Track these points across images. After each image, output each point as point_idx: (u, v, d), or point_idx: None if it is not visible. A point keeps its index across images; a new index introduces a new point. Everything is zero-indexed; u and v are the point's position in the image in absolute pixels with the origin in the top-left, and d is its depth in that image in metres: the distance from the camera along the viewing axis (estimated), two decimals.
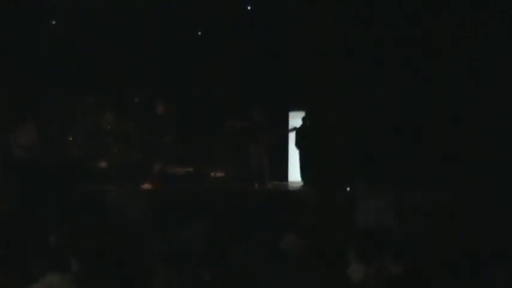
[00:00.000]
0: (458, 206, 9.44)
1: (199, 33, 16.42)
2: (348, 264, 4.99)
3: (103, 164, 14.14)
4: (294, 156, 15.24)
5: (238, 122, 14.73)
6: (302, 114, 15.21)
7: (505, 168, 12.58)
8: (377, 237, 5.99)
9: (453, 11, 13.25)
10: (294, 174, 15.28)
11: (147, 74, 15.82)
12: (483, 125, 13.20)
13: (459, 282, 5.04)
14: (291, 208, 8.36)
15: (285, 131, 15.13)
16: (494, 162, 12.86)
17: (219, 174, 15.12)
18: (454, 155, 13.32)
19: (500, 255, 5.42)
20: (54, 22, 15.93)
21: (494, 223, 7.11)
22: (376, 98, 14.00)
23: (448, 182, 12.55)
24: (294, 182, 15.05)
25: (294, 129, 14.70)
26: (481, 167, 12.85)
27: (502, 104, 13.06)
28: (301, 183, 14.68)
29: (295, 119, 15.31)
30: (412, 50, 13.56)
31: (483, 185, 12.14)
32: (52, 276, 4.53)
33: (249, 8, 15.79)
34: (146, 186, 13.08)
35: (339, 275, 4.89)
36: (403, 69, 13.74)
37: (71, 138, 14.83)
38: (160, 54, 15.85)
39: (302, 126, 14.55)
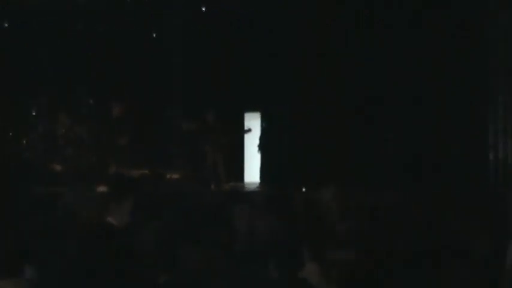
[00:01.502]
0: (407, 204, 9.52)
1: (155, 34, 16.36)
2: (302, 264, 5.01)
3: (57, 167, 14.01)
4: (249, 157, 15.29)
5: (194, 123, 14.71)
6: (258, 115, 15.30)
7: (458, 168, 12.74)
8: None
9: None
10: (250, 175, 15.34)
11: (101, 74, 15.72)
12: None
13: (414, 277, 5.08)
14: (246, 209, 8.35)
15: (241, 132, 15.15)
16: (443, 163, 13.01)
17: (175, 176, 15.07)
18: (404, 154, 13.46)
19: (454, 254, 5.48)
20: (6, 24, 15.77)
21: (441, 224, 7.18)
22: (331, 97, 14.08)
23: (397, 181, 12.66)
24: (250, 183, 15.08)
25: (250, 130, 14.73)
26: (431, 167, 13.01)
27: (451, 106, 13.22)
28: (258, 184, 14.76)
29: (251, 120, 15.37)
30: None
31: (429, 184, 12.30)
32: (4, 282, 4.48)
33: (203, 9, 15.77)
34: (101, 188, 12.97)
35: (293, 275, 4.91)
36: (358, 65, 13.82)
37: (24, 141, 14.67)
38: (115, 54, 15.77)
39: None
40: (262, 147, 15.21)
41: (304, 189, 13.39)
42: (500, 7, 12.31)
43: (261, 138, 14.99)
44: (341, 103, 13.91)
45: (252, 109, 15.49)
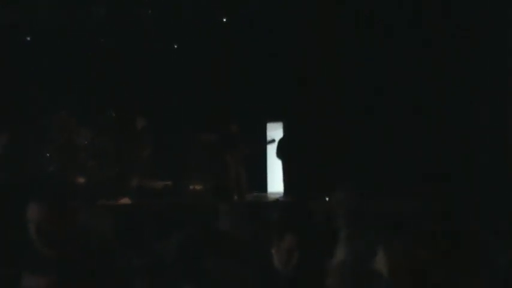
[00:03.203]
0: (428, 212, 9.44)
1: (175, 46, 16.38)
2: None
3: (79, 180, 14.00)
4: (272, 166, 15.22)
5: (216, 134, 14.68)
6: (280, 125, 15.26)
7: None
8: None
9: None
10: (273, 185, 15.27)
11: (122, 87, 15.76)
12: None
13: None
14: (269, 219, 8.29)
15: (264, 141, 15.09)
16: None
17: (198, 187, 15.05)
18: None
19: None
20: (28, 38, 15.86)
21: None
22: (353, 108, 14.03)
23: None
24: (273, 193, 15.00)
25: (273, 141, 14.67)
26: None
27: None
28: (281, 194, 14.68)
29: (274, 130, 15.33)
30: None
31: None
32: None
33: (224, 20, 15.77)
34: (124, 201, 12.97)
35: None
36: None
37: (48, 155, 14.67)
38: (135, 67, 15.80)
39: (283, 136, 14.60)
40: (284, 156, 15.14)
41: (327, 199, 13.30)
42: None
43: (283, 148, 14.93)
44: (364, 112, 13.83)
45: (274, 119, 15.44)
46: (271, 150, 15.09)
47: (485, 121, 12.83)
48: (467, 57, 12.79)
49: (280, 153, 14.52)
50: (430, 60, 13.19)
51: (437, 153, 13.05)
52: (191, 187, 14.96)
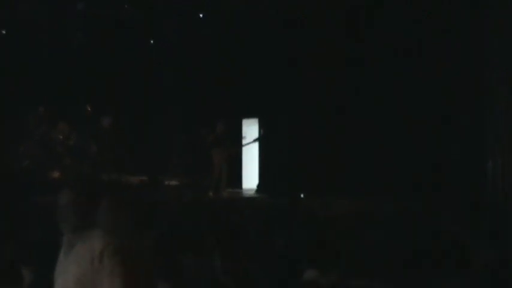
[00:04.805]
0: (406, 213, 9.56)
1: (151, 41, 16.42)
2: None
3: (55, 175, 14.02)
4: (247, 163, 15.31)
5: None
6: (255, 121, 15.33)
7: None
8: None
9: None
10: (248, 182, 15.36)
11: (100, 84, 15.75)
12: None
13: None
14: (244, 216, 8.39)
15: (239, 138, 15.17)
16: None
17: (174, 183, 15.12)
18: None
19: None
20: (4, 32, 15.81)
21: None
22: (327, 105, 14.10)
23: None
24: (248, 189, 15.10)
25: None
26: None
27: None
28: (255, 190, 14.80)
29: (249, 126, 15.40)
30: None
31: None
32: None
33: (201, 17, 15.83)
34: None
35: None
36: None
37: (22, 149, 14.67)
38: (112, 64, 15.82)
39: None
40: (260, 153, 15.26)
41: (302, 196, 13.43)
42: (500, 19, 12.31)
43: (259, 145, 15.06)
44: (339, 110, 13.91)
45: (249, 115, 15.52)
46: (247, 147, 15.18)
47: (464, 122, 12.93)
48: (448, 60, 12.86)
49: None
50: (408, 61, 13.23)
51: (416, 154, 13.14)
52: (167, 183, 15.03)
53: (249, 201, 13.62)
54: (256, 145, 15.09)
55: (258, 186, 14.98)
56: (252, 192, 14.78)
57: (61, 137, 14.37)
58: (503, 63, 12.25)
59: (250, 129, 15.34)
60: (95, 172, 13.90)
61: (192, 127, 15.70)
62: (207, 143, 14.19)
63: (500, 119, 12.38)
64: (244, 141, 14.73)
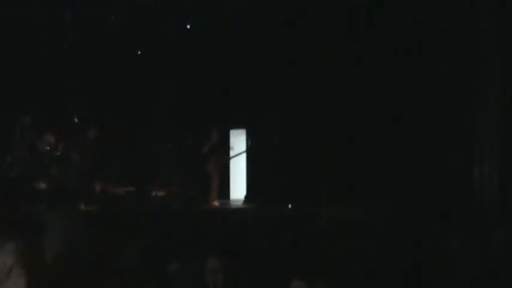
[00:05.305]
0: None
1: (139, 52, 16.38)
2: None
3: (42, 185, 13.92)
4: (235, 174, 15.28)
5: (183, 141, 14.71)
6: (243, 132, 15.32)
7: None
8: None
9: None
10: (236, 192, 15.31)
11: (87, 93, 15.70)
12: None
13: None
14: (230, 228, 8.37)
15: (227, 149, 15.15)
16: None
17: (161, 193, 15.05)
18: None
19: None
20: None
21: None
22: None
23: None
24: (236, 200, 15.05)
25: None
26: None
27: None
28: (243, 201, 14.76)
29: (237, 137, 15.38)
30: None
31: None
32: None
33: (188, 27, 15.83)
34: (86, 207, 12.92)
35: None
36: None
37: (8, 159, 14.56)
38: (99, 74, 15.76)
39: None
40: (247, 164, 15.23)
41: (290, 206, 13.40)
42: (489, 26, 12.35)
43: (246, 155, 15.03)
44: (326, 118, 13.92)
45: (237, 126, 15.50)
46: (234, 158, 15.16)
47: (451, 126, 12.93)
48: (435, 63, 12.86)
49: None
50: (395, 65, 13.24)
51: (403, 158, 13.13)
52: (154, 193, 14.97)
53: (237, 211, 13.60)
54: (243, 156, 15.06)
55: (246, 196, 14.96)
56: (240, 203, 14.73)
57: (48, 147, 14.26)
58: (491, 66, 12.29)
59: (238, 140, 15.32)
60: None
61: (179, 137, 15.67)
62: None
63: (487, 122, 12.41)
64: (232, 152, 14.67)
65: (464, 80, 12.70)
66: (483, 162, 12.37)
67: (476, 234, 6.90)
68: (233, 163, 14.67)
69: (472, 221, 9.24)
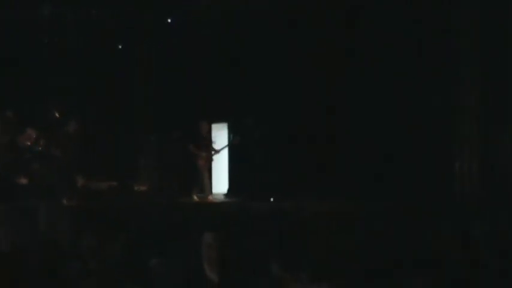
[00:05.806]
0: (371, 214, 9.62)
1: (119, 46, 16.35)
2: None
3: (23, 181, 13.85)
4: (217, 168, 15.28)
5: (162, 136, 14.70)
6: (224, 125, 15.33)
7: None
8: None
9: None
10: (218, 186, 15.33)
11: (70, 88, 15.65)
12: None
13: None
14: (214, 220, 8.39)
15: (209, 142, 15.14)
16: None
17: (143, 188, 15.05)
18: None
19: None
20: None
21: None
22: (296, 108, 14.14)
23: None
24: (217, 194, 15.06)
25: (214, 142, 14.73)
26: None
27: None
28: (225, 195, 14.78)
29: (218, 131, 15.38)
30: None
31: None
32: None
33: (170, 22, 15.83)
34: (68, 202, 12.89)
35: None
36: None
37: None
38: (84, 68, 15.72)
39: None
40: (229, 158, 15.25)
41: (271, 200, 13.43)
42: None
43: (228, 149, 15.04)
44: (307, 112, 13.96)
45: (219, 120, 15.50)
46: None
47: (432, 124, 12.98)
48: (415, 61, 12.90)
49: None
50: (376, 58, 13.27)
51: (383, 155, 13.17)
52: (136, 188, 14.97)
53: (219, 205, 13.61)
54: (225, 150, 15.06)
55: (228, 190, 14.98)
56: (222, 197, 14.75)
57: (28, 142, 14.17)
58: (471, 64, 12.37)
59: (220, 134, 15.32)
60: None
61: (161, 131, 15.65)
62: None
63: (467, 120, 12.48)
64: (214, 146, 14.66)
65: (444, 76, 12.77)
66: (463, 159, 12.46)
67: (457, 227, 6.97)
68: (215, 157, 14.66)
69: (453, 214, 9.30)
